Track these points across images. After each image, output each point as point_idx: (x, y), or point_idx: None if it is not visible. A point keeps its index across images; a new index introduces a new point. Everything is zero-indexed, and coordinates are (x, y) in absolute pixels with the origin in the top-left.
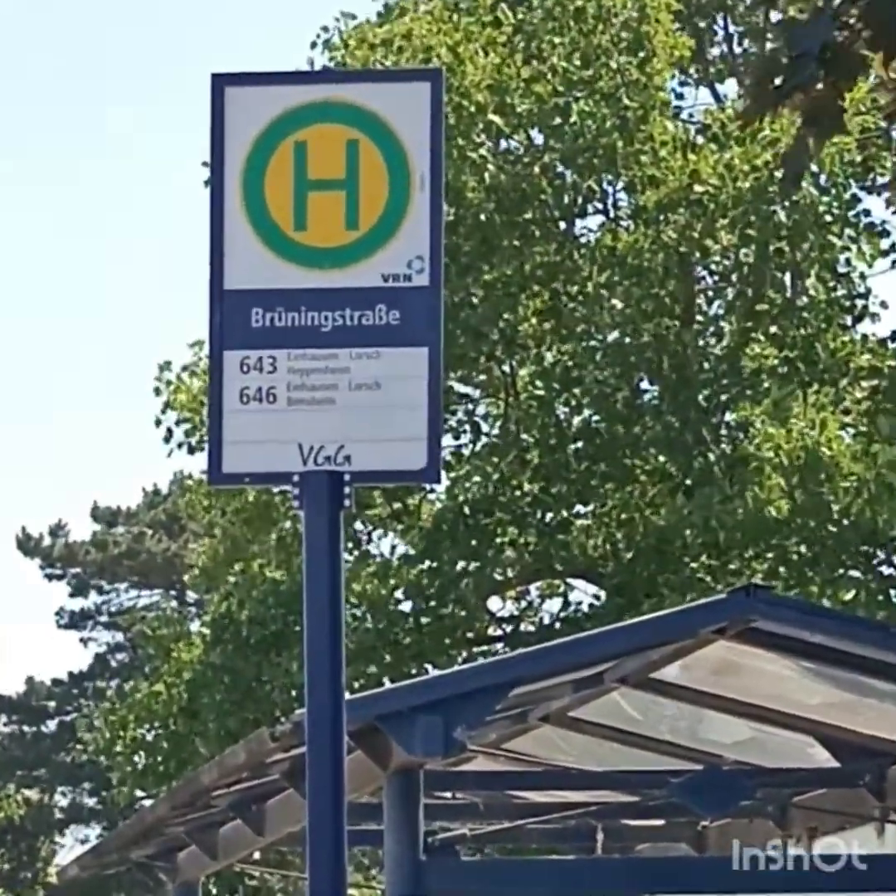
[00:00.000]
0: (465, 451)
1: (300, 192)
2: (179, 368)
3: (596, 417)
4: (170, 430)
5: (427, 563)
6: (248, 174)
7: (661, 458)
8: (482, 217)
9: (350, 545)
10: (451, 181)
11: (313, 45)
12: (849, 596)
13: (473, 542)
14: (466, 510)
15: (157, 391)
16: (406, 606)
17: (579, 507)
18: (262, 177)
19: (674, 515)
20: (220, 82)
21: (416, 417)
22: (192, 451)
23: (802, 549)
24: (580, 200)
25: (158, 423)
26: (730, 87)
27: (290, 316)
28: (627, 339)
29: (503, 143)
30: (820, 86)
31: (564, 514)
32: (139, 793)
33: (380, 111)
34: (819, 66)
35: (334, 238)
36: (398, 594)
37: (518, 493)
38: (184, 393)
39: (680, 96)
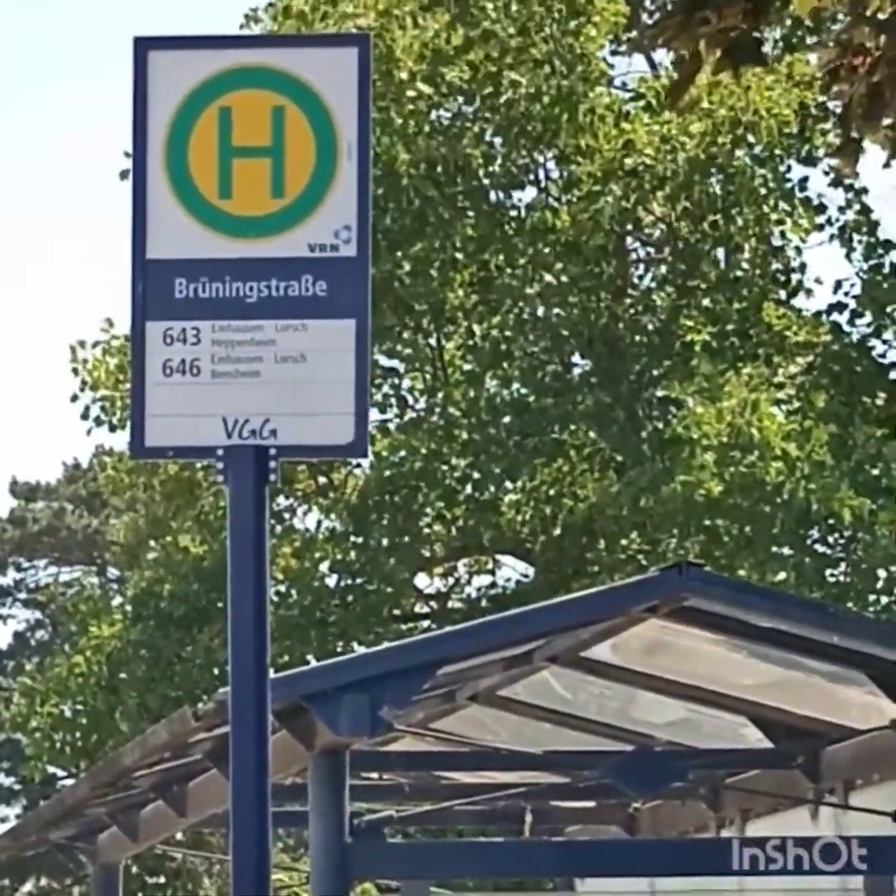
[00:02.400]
0: (392, 426)
1: (225, 159)
2: (92, 345)
3: (525, 391)
4: (87, 407)
5: (352, 538)
6: (171, 141)
7: (592, 434)
8: (412, 192)
9: (272, 521)
10: (380, 153)
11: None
12: (780, 577)
13: (400, 518)
14: (392, 485)
15: (76, 371)
16: (331, 582)
17: (508, 483)
18: (186, 143)
19: (603, 495)
20: (144, 46)
21: (343, 391)
22: (112, 428)
23: (735, 529)
24: (512, 171)
25: (75, 399)
26: (664, 56)
27: (214, 286)
28: (557, 312)
29: (434, 114)
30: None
31: (493, 489)
32: (58, 772)
33: (306, 77)
34: None
35: (259, 207)
36: (323, 569)
37: (445, 467)
38: (100, 369)
39: (611, 67)
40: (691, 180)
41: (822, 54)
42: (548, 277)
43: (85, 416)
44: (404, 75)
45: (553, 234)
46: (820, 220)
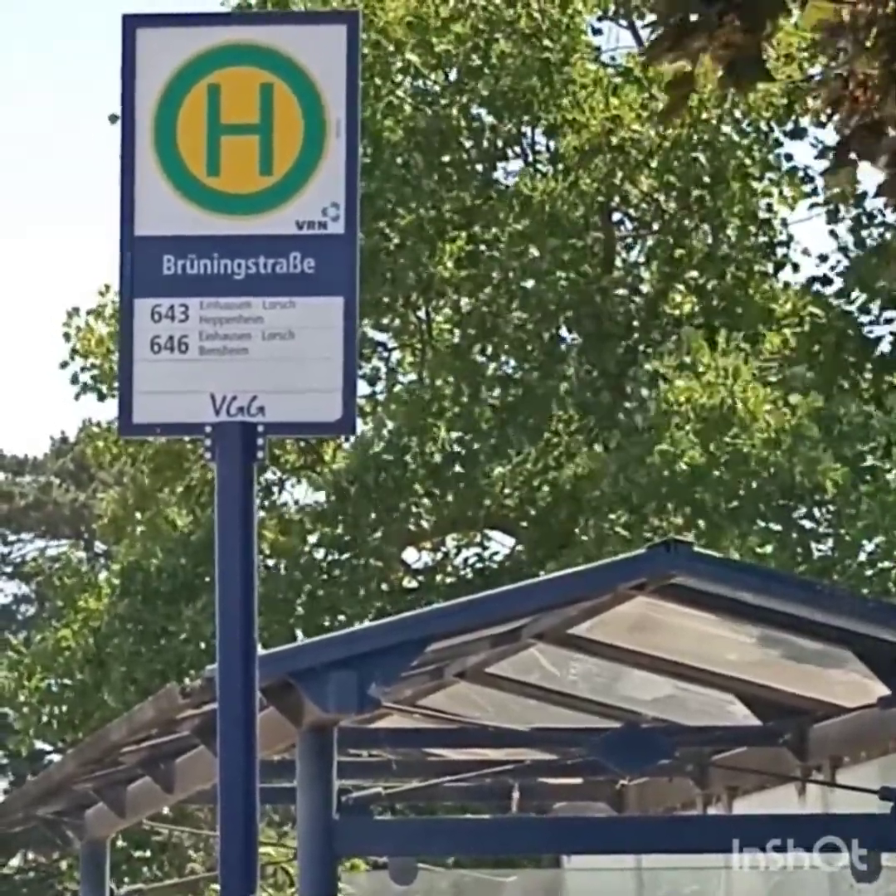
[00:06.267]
0: (381, 398)
1: (213, 136)
2: (86, 313)
3: (512, 366)
4: (76, 376)
5: (340, 514)
6: (159, 117)
7: (580, 409)
8: (399, 160)
9: (260, 495)
10: (367, 122)
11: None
12: (763, 548)
13: (387, 492)
14: (378, 459)
15: (67, 336)
16: (319, 555)
17: (496, 457)
18: (175, 120)
19: (588, 467)
20: (132, 23)
21: (330, 368)
22: (101, 397)
23: (720, 502)
24: (499, 144)
25: (65, 365)
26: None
27: (202, 263)
28: (544, 287)
29: (421, 83)
30: (739, 35)
31: (480, 461)
32: (45, 747)
33: (295, 54)
34: (733, 10)
35: (248, 184)
36: (311, 543)
37: (434, 443)
38: (92, 337)
39: (597, 32)
40: (677, 155)
41: (822, 91)
42: (533, 251)
43: (75, 381)
44: (392, 47)
45: (539, 206)
46: (807, 189)
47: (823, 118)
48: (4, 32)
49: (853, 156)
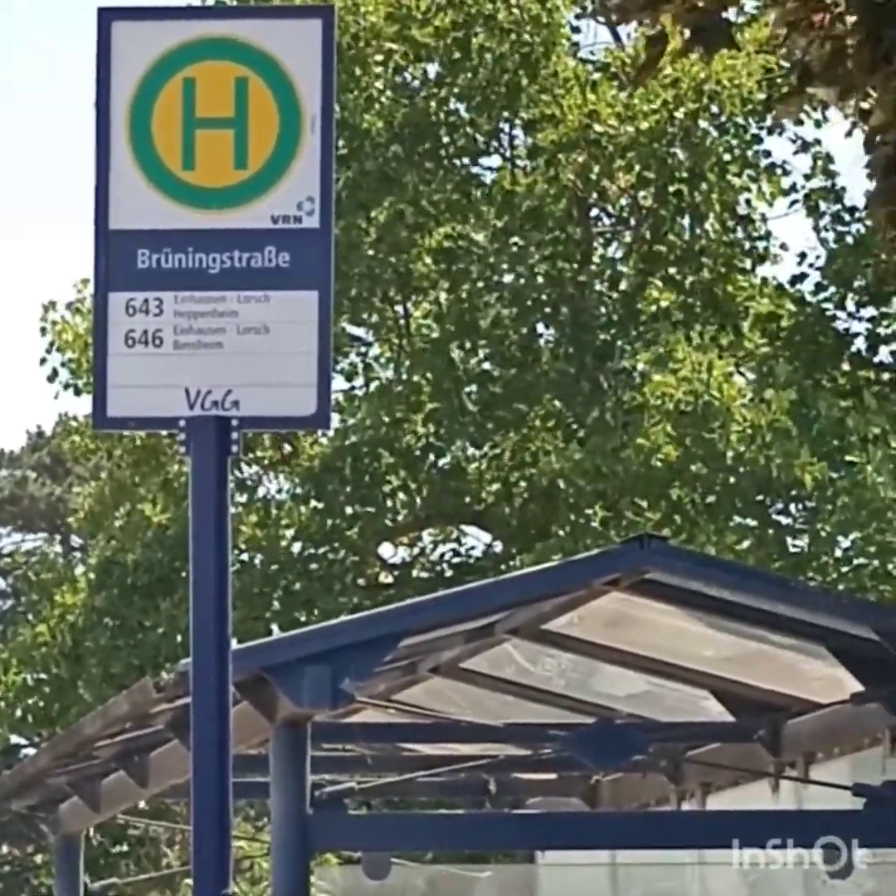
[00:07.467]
0: (359, 393)
1: (188, 130)
2: (64, 306)
3: (489, 364)
4: (55, 370)
5: (314, 504)
6: (134, 111)
7: (557, 404)
8: (377, 152)
9: (237, 490)
10: (346, 112)
11: None
12: (739, 544)
13: (363, 487)
14: (355, 453)
15: (44, 331)
16: (295, 548)
17: (472, 452)
18: (150, 114)
19: (567, 462)
20: (108, 16)
21: (305, 363)
22: (78, 392)
23: (695, 497)
24: (477, 139)
25: (43, 361)
26: (630, 27)
27: (176, 257)
28: (522, 282)
29: (399, 77)
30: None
31: (459, 455)
32: (21, 741)
33: (270, 49)
34: None
35: (223, 178)
36: (287, 536)
37: (410, 437)
38: (69, 332)
39: (576, 30)
40: (654, 149)
41: (780, 10)
42: (513, 245)
43: (52, 379)
44: (372, 36)
45: (516, 200)
46: (785, 184)
47: (780, 40)
48: (5, 32)
49: (811, 89)
